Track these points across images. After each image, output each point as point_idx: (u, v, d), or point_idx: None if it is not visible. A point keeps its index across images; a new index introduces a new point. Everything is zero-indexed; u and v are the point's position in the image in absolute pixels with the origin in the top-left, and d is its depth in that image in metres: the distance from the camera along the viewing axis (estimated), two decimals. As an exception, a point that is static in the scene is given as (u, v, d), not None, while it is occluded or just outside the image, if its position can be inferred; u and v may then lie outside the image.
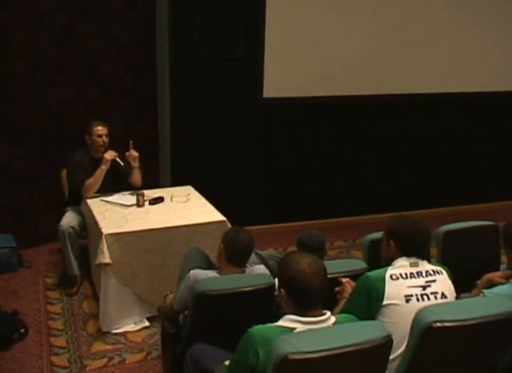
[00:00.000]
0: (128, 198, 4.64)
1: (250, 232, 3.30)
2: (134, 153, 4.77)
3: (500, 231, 3.42)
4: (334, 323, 2.36)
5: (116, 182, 4.77)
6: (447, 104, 6.33)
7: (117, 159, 4.70)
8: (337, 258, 5.34)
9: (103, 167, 4.61)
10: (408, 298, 2.65)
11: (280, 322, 2.34)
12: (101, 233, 4.03)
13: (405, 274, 2.72)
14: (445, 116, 6.41)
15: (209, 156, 5.65)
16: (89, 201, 4.60)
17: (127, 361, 3.84)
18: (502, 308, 2.50)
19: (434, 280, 2.74)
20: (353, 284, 2.90)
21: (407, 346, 2.49)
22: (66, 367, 3.75)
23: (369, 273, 2.76)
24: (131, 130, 5.41)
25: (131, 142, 4.75)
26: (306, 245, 3.41)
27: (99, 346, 3.99)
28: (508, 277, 3.01)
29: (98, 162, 4.66)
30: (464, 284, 3.02)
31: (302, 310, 2.34)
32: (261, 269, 3.35)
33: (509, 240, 3.07)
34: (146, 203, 4.56)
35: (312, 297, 2.33)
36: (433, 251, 3.70)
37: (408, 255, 2.79)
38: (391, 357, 2.44)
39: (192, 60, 5.30)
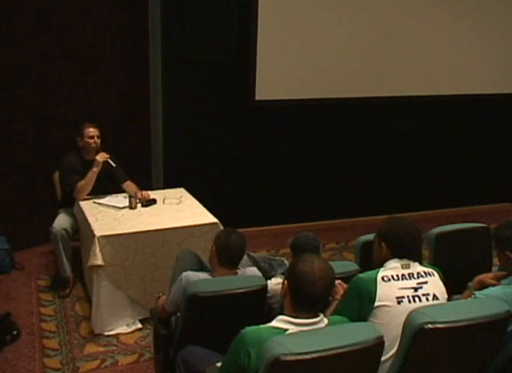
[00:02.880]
0: (121, 200, 4.64)
1: (242, 234, 3.30)
2: (146, 195, 4.70)
3: (492, 233, 3.43)
4: (326, 325, 2.37)
5: (108, 184, 4.77)
6: (441, 106, 6.35)
7: (109, 161, 4.69)
8: (329, 260, 5.29)
9: (95, 169, 4.60)
10: (399, 300, 2.65)
11: (273, 323, 2.35)
12: (94, 235, 4.02)
13: (397, 276, 2.72)
14: (438, 118, 6.43)
15: (202, 158, 5.65)
16: (81, 203, 4.59)
17: (119, 363, 3.84)
18: (493, 309, 2.51)
19: (426, 282, 2.75)
20: (345, 285, 2.91)
21: (398, 348, 2.49)
22: (58, 369, 3.74)
23: (361, 275, 2.76)
24: (124, 132, 5.42)
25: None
26: (301, 248, 3.38)
27: (91, 348, 3.98)
28: (499, 278, 3.02)
29: (90, 164, 4.65)
30: (455, 286, 3.02)
31: (297, 308, 2.35)
32: (253, 271, 3.36)
33: (500, 242, 3.07)
34: (139, 205, 4.56)
35: (310, 298, 2.33)
36: (425, 253, 3.71)
37: (400, 257, 2.79)
38: (382, 358, 2.45)
39: (185, 62, 5.30)
